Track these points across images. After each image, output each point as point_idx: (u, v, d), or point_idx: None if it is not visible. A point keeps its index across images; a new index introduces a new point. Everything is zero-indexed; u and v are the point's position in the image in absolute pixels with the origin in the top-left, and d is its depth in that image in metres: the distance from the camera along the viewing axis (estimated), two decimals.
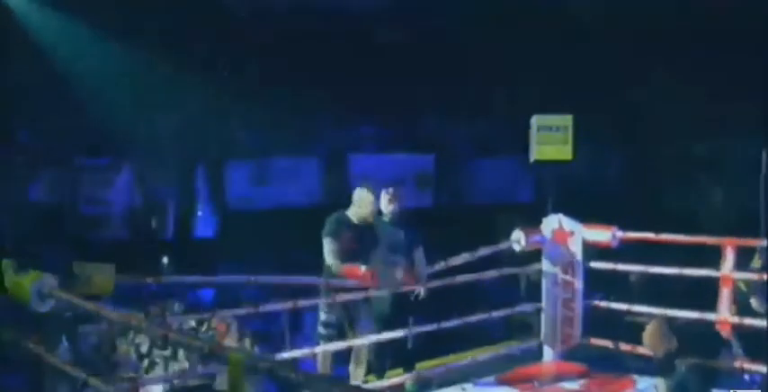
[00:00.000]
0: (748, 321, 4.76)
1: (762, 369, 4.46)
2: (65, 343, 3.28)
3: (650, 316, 5.80)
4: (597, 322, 5.66)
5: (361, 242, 4.89)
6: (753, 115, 8.99)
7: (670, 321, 4.38)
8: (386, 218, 5.19)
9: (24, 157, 9.44)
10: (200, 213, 10.47)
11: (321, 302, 4.82)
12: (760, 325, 4.61)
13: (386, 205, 5.18)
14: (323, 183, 10.70)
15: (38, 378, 3.24)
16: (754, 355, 4.67)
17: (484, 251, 5.26)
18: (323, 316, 4.89)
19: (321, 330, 4.90)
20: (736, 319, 4.78)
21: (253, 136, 10.65)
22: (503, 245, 5.43)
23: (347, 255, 4.81)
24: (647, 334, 4.13)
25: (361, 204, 4.95)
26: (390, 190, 5.21)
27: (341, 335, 4.88)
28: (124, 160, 10.28)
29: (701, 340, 4.40)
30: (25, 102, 8.80)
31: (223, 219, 10.48)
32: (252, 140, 10.66)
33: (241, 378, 2.12)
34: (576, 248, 5.36)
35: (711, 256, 4.85)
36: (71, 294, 3.23)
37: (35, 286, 3.19)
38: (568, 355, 5.44)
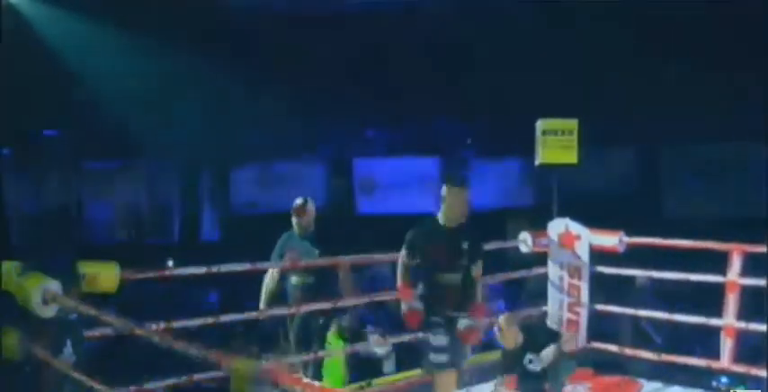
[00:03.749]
0: (753, 326, 4.75)
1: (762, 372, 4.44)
2: (69, 347, 3.27)
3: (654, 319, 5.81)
4: (602, 326, 5.65)
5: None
6: (760, 117, 8.97)
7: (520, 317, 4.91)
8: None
9: (32, 160, 9.46)
10: (205, 216, 10.50)
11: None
12: (763, 329, 4.59)
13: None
14: (328, 187, 10.70)
15: (41, 381, 3.23)
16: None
17: (491, 246, 5.22)
18: (434, 340, 4.24)
19: (433, 357, 4.25)
20: (742, 325, 4.76)
21: (258, 139, 10.65)
22: (509, 244, 5.46)
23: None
24: (503, 329, 4.51)
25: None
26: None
27: (455, 362, 4.28)
28: (130, 163, 10.30)
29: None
30: (33, 106, 8.82)
31: (228, 223, 10.50)
32: (257, 144, 10.66)
33: (245, 389, 2.11)
34: (583, 252, 5.35)
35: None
36: (75, 298, 3.22)
37: (38, 291, 3.18)
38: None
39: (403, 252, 4.34)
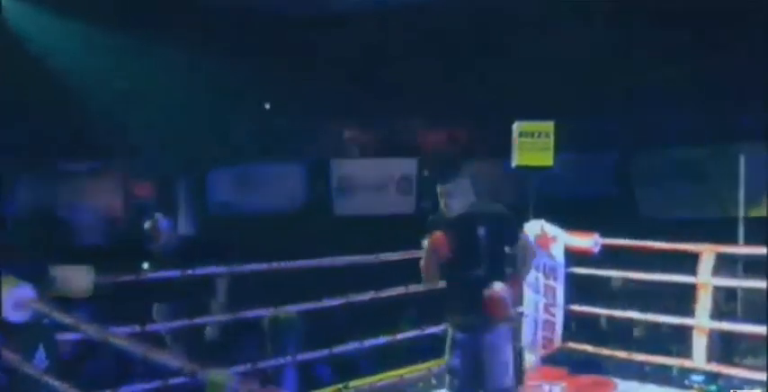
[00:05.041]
0: (726, 325, 4.83)
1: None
2: (41, 352, 3.23)
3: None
4: (577, 326, 5.71)
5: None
6: (733, 121, 9.11)
7: None
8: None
9: (5, 161, 9.32)
10: (181, 218, 10.42)
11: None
12: (735, 329, 4.67)
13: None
14: (305, 188, 10.67)
15: (13, 387, 3.19)
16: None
17: None
18: (447, 358, 3.65)
19: (447, 378, 3.66)
20: (714, 324, 4.84)
21: (235, 140, 10.61)
22: None
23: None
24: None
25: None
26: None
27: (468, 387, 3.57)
28: (106, 165, 10.20)
29: None
30: (6, 104, 8.70)
31: (204, 225, 10.42)
32: (234, 145, 10.61)
33: None
34: (558, 253, 5.40)
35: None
36: (49, 303, 3.18)
37: (9, 295, 3.13)
38: (549, 359, 5.46)
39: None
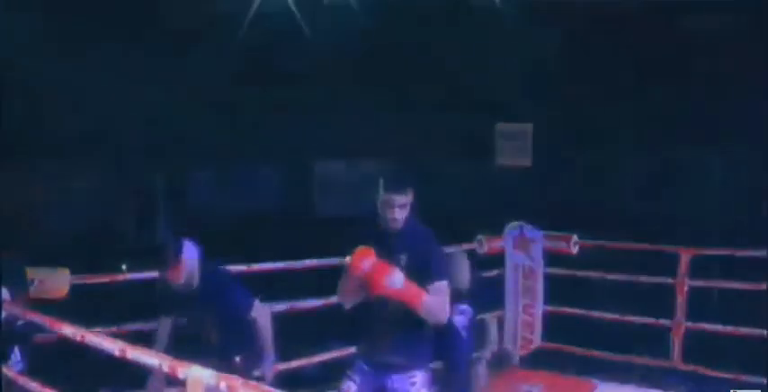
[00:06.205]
0: (701, 325, 4.89)
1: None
2: (16, 354, 3.20)
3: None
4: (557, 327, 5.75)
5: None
6: (707, 123, 9.19)
7: None
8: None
9: None
10: (160, 219, 10.37)
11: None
12: (712, 329, 4.73)
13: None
14: (286, 189, 10.65)
15: None
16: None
17: (448, 249, 5.25)
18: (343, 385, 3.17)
19: None
20: (690, 324, 4.90)
21: (215, 140, 10.55)
22: (465, 246, 5.52)
23: None
24: None
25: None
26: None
27: None
28: (84, 163, 10.11)
29: None
30: None
31: (184, 226, 10.37)
32: (214, 145, 10.56)
33: None
34: (537, 255, 5.45)
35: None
36: (24, 304, 3.15)
37: None
38: (528, 360, 5.50)
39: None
